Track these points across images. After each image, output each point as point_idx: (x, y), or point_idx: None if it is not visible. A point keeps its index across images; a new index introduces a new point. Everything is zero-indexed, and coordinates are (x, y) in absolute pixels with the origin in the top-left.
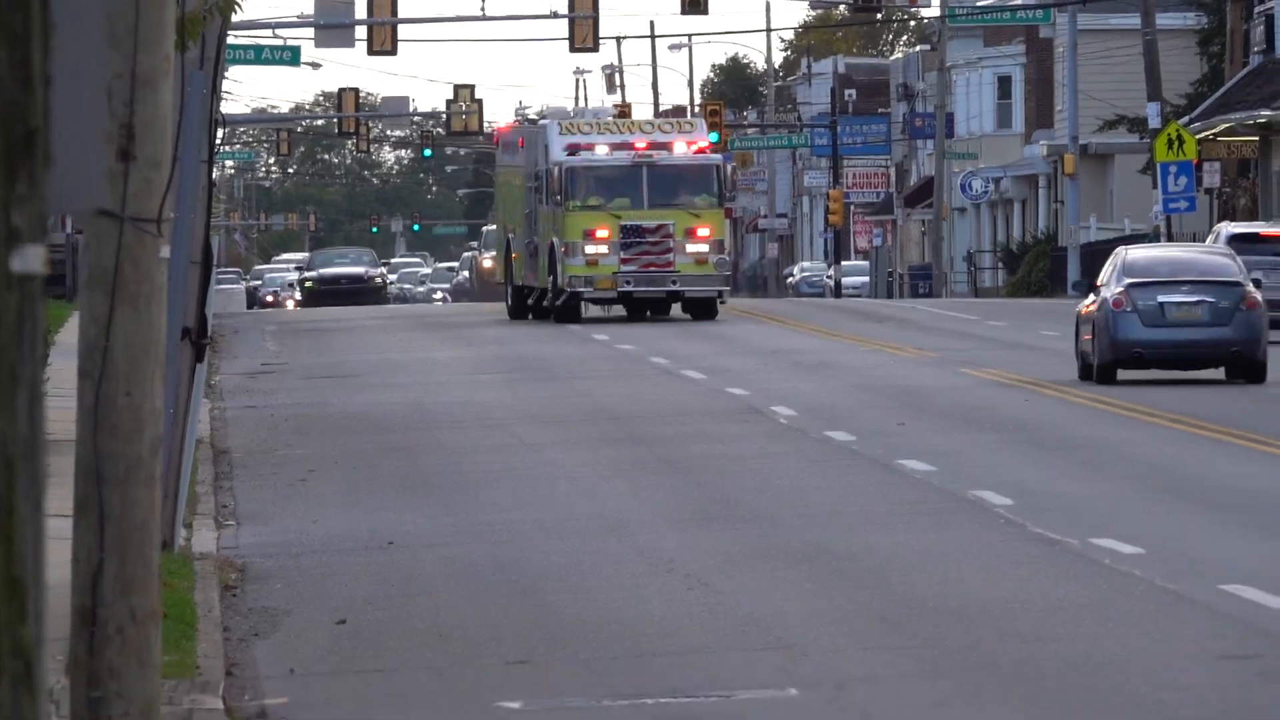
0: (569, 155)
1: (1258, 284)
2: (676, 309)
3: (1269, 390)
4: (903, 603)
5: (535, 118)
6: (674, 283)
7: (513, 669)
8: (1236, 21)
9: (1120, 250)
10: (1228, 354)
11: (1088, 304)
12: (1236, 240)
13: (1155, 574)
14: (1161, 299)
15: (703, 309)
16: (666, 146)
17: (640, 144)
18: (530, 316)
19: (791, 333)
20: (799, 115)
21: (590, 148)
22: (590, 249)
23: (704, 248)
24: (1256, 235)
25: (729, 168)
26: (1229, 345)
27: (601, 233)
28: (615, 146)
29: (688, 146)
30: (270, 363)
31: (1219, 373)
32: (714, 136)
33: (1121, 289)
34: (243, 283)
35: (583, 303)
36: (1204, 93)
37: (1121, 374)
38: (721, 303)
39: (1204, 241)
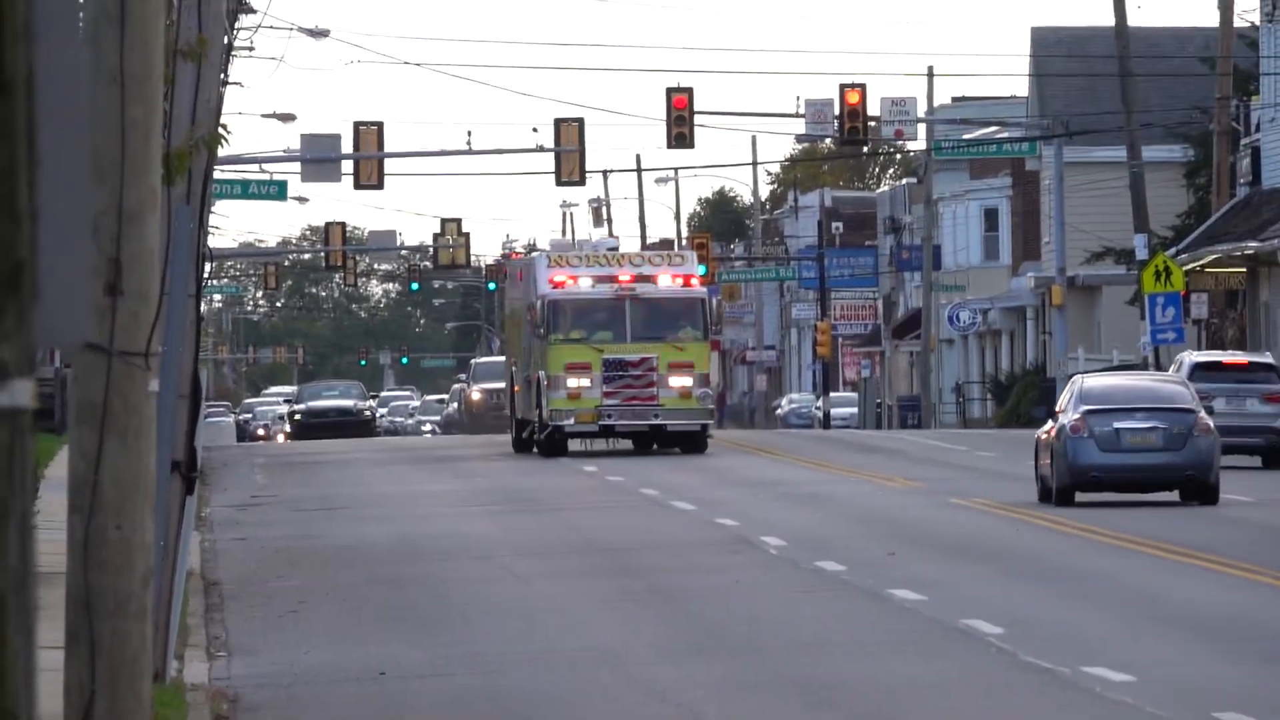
0: (553, 289)
1: (1210, 411)
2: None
3: (1229, 512)
4: None
5: (533, 249)
6: (656, 416)
7: None
8: (1223, 154)
9: (1077, 378)
10: (1181, 478)
11: (1047, 429)
12: (1200, 369)
13: (1146, 702)
14: (1117, 425)
15: (690, 443)
16: (651, 279)
17: (625, 277)
18: (533, 450)
19: (781, 464)
20: (786, 248)
21: (574, 280)
22: (572, 382)
23: (688, 381)
24: (1219, 364)
25: (714, 301)
26: (1182, 470)
27: (583, 366)
28: (600, 279)
29: (674, 279)
30: (259, 495)
31: (1174, 495)
32: (701, 269)
33: (1079, 415)
34: (232, 416)
35: (569, 437)
36: (1191, 224)
37: (1080, 497)
38: (709, 436)
39: (1169, 369)
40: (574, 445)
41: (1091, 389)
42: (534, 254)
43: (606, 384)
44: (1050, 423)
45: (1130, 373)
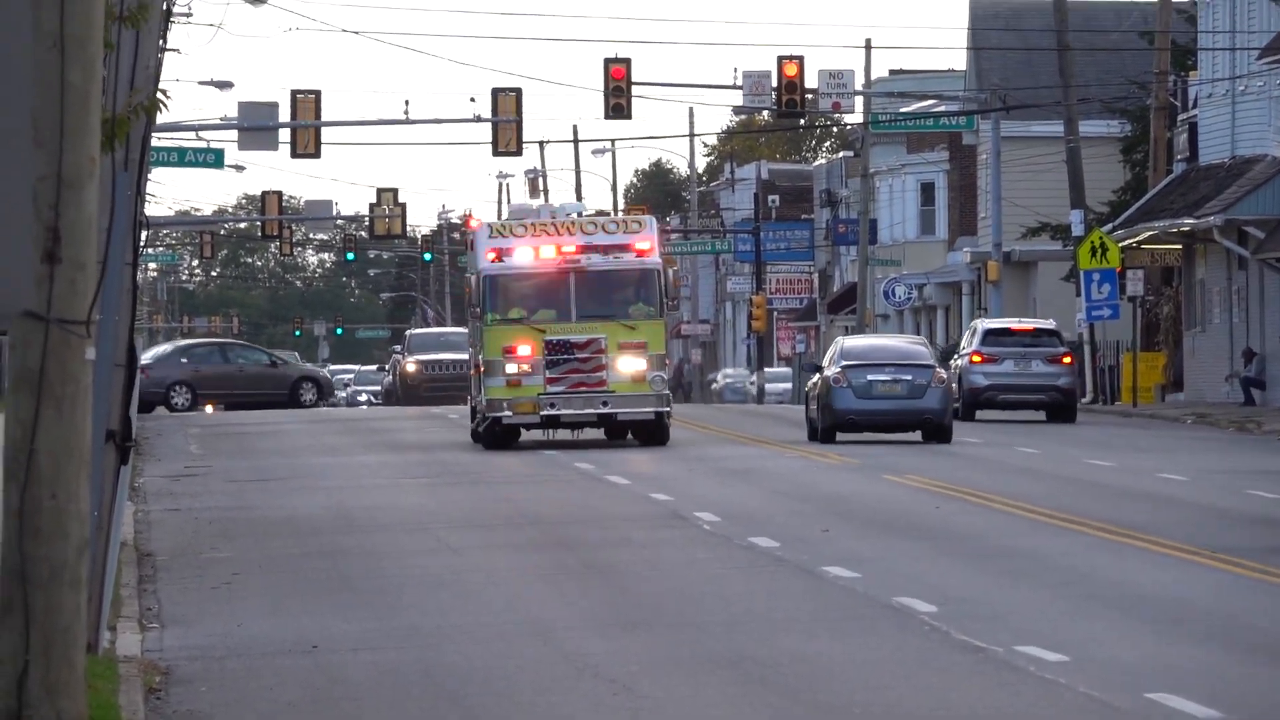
0: (490, 262)
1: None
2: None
3: (1148, 483)
4: (828, 710)
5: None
6: (605, 404)
7: None
8: (1160, 130)
9: (839, 339)
10: (920, 420)
11: (814, 381)
12: (991, 334)
13: (1080, 682)
14: (870, 377)
15: (646, 432)
16: (600, 249)
17: (570, 247)
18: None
19: (715, 439)
20: (722, 221)
21: (511, 252)
22: (511, 368)
23: (640, 363)
24: (1009, 330)
25: (669, 273)
26: (922, 414)
27: (524, 350)
28: (541, 251)
29: (626, 250)
30: (194, 465)
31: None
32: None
33: (839, 370)
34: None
35: (517, 428)
36: (1127, 200)
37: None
38: (667, 424)
39: (962, 336)
40: (534, 435)
41: (851, 348)
42: (478, 224)
43: (550, 369)
44: (816, 376)
45: (883, 335)
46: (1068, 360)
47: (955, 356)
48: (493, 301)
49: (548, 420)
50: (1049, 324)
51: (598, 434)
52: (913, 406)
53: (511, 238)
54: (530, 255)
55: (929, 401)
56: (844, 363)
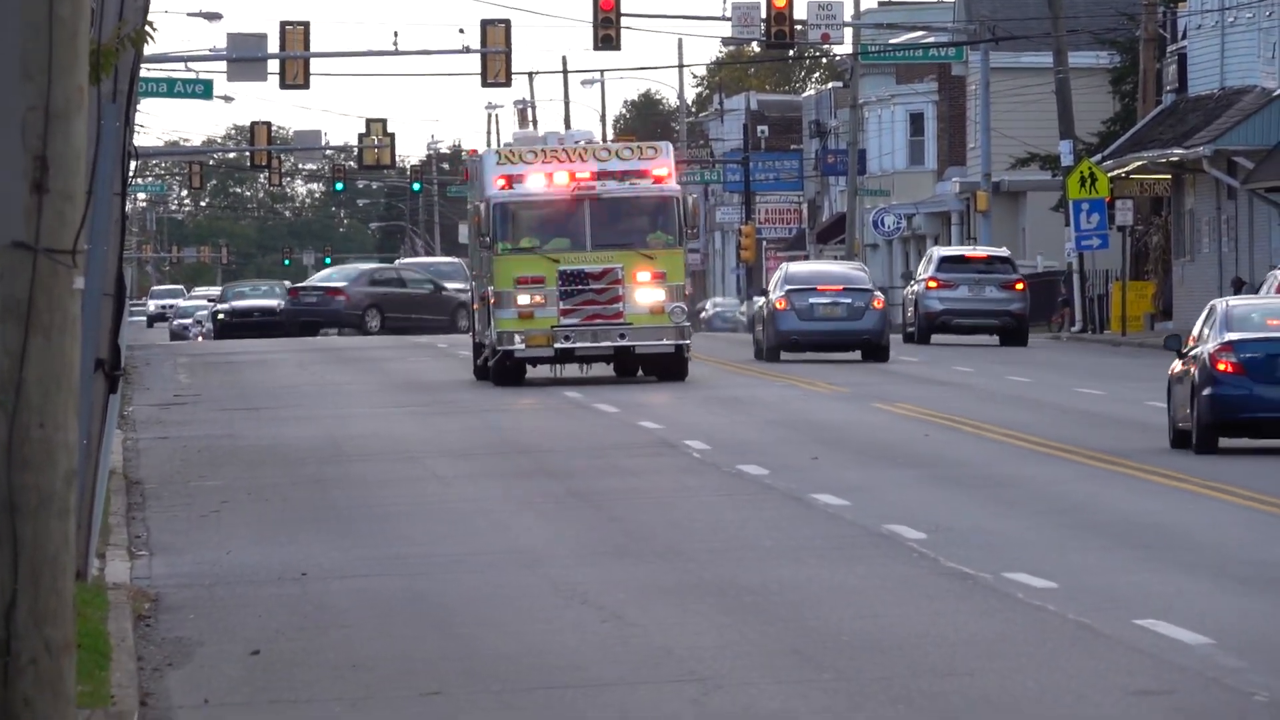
0: (500, 190)
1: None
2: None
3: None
4: (816, 636)
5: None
6: (622, 336)
7: (426, 701)
8: (1149, 60)
9: (784, 265)
10: (860, 341)
11: (759, 305)
12: (946, 261)
13: (1068, 609)
14: (812, 300)
15: (665, 368)
16: (617, 175)
17: (584, 174)
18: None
19: (704, 367)
20: (711, 151)
21: (523, 179)
22: (523, 299)
23: (659, 294)
24: (963, 257)
25: (690, 200)
26: (861, 334)
27: (536, 280)
28: (555, 177)
29: (643, 176)
30: (182, 394)
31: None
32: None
33: (783, 294)
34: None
35: (523, 363)
36: (1117, 131)
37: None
38: (687, 359)
39: (928, 261)
40: (540, 371)
41: (794, 273)
42: (483, 151)
43: (564, 300)
44: (761, 299)
45: (825, 261)
46: (1020, 286)
47: (912, 282)
48: (503, 230)
49: (561, 354)
50: (1002, 252)
51: (606, 370)
52: (852, 328)
53: (521, 164)
54: (542, 181)
55: (867, 323)
56: (787, 287)
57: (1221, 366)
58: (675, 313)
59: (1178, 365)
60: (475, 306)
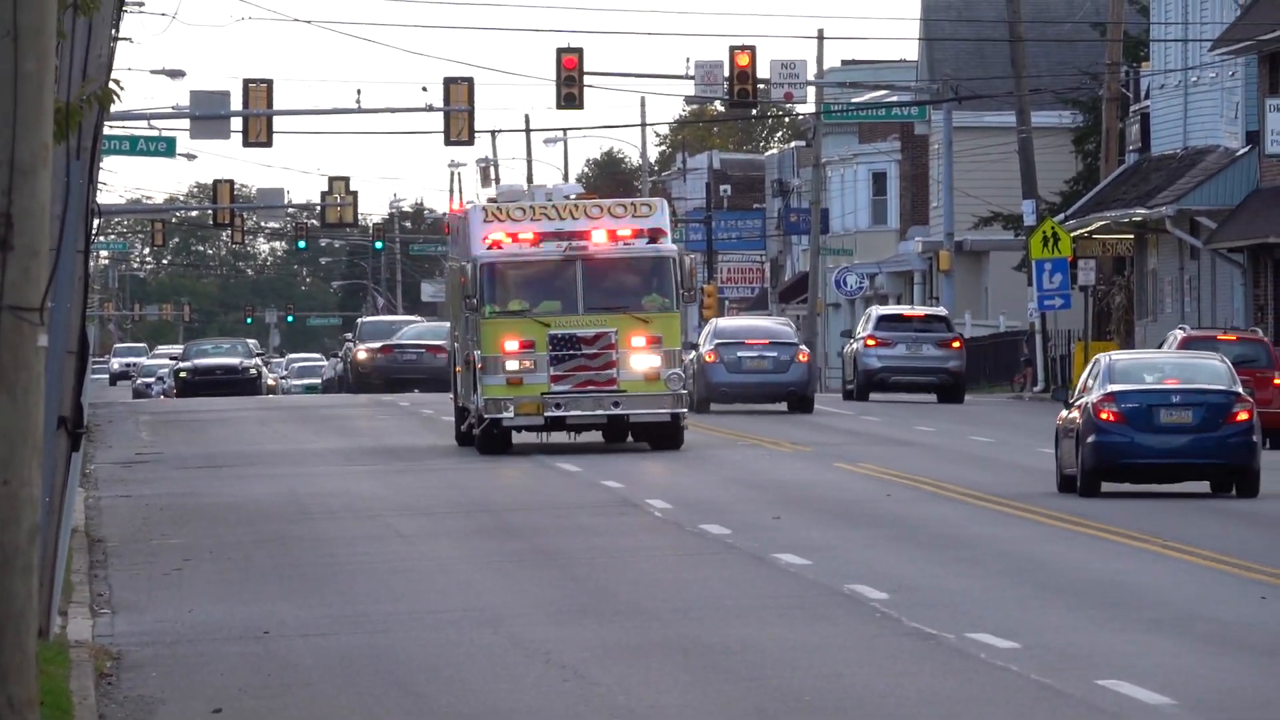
0: (487, 249)
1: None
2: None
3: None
4: (778, 696)
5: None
6: (616, 404)
7: None
8: (1112, 120)
9: (713, 320)
10: (785, 393)
11: (690, 357)
12: (884, 320)
13: (1031, 668)
14: (740, 354)
15: (660, 436)
16: (610, 235)
17: (576, 233)
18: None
19: None
20: (674, 210)
21: (514, 238)
22: (512, 365)
23: (654, 360)
24: (901, 316)
25: (688, 260)
26: (786, 387)
27: (526, 345)
28: (544, 236)
29: (637, 235)
30: (144, 452)
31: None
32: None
33: (712, 348)
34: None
35: (510, 430)
36: (1079, 190)
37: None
38: (683, 427)
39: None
40: (526, 438)
41: (723, 328)
42: (470, 206)
43: (554, 366)
44: (693, 353)
45: (754, 316)
46: (956, 345)
47: (851, 340)
48: (490, 292)
49: (552, 422)
50: (940, 310)
51: (595, 437)
52: (778, 380)
53: (510, 221)
54: (532, 240)
55: (792, 375)
56: (716, 341)
57: (1104, 416)
58: (672, 379)
59: (1065, 414)
60: (458, 370)
